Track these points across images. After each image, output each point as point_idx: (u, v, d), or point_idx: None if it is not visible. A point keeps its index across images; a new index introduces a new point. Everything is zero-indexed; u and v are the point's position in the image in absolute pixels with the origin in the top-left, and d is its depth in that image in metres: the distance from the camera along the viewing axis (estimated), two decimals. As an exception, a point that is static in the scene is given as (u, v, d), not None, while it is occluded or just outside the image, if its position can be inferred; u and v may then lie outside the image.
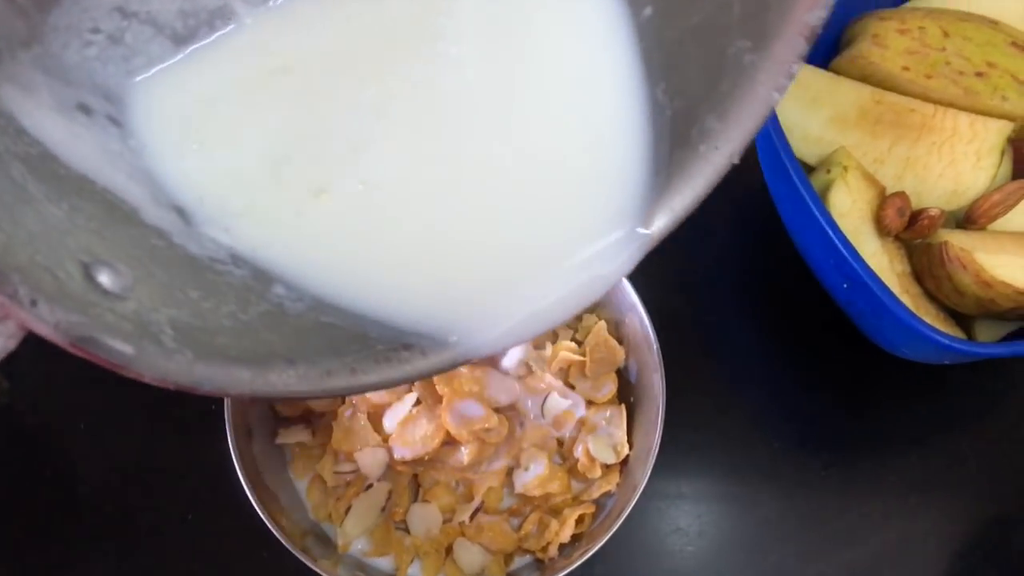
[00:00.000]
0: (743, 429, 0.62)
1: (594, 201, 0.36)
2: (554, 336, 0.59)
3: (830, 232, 0.51)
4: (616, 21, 0.37)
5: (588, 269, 0.35)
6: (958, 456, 0.62)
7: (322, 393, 0.32)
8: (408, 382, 0.35)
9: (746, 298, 0.67)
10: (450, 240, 0.36)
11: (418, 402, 0.53)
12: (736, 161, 0.33)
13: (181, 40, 0.36)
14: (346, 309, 0.35)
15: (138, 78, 0.36)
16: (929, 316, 0.55)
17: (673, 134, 0.35)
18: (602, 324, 0.57)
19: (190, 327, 0.31)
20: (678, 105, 0.35)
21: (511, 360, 0.55)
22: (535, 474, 0.54)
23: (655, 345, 0.54)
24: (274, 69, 0.36)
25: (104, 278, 0.30)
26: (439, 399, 0.52)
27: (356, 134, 0.36)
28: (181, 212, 0.34)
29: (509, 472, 0.55)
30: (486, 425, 0.51)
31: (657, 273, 0.65)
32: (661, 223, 0.34)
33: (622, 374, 0.58)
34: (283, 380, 0.31)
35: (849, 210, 0.55)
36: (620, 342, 0.57)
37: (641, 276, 0.55)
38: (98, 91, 0.35)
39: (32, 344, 0.28)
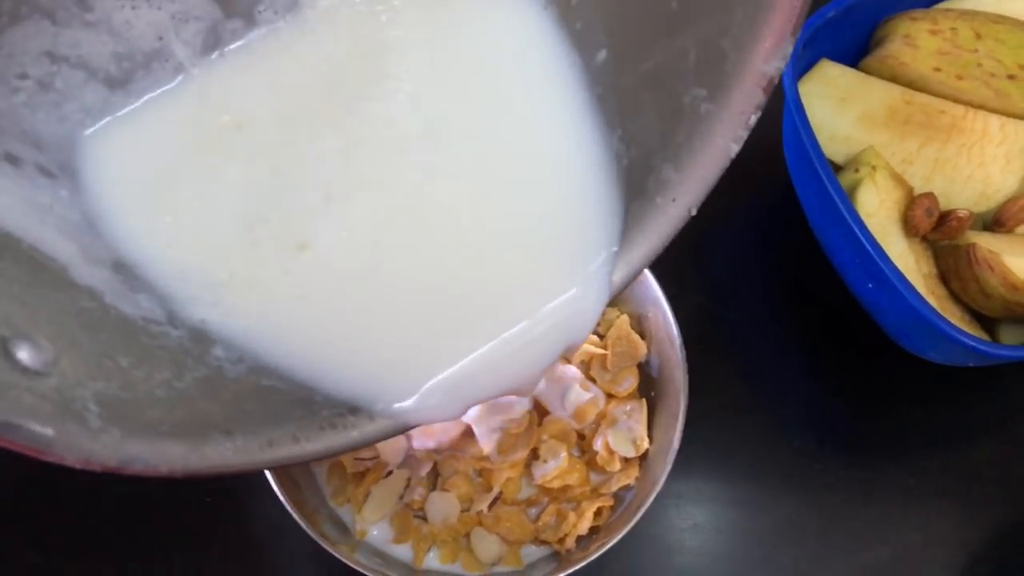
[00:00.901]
0: (762, 428, 0.62)
1: (551, 257, 0.34)
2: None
3: (857, 231, 0.51)
4: (567, 64, 0.36)
5: (550, 328, 0.33)
6: (979, 460, 0.62)
7: (262, 465, 0.30)
8: (354, 449, 0.33)
9: (768, 297, 0.67)
10: (421, 290, 0.34)
11: (439, 391, 0.53)
12: (694, 213, 0.31)
13: (117, 85, 0.34)
14: (301, 370, 0.32)
15: (86, 132, 0.34)
16: (954, 318, 0.55)
17: (630, 184, 0.34)
18: (625, 318, 0.57)
19: (118, 401, 0.29)
20: (634, 154, 0.34)
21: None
22: (554, 466, 0.54)
23: (678, 341, 0.54)
24: (226, 126, 0.34)
25: (23, 354, 0.28)
26: (460, 388, 0.52)
27: (327, 183, 0.34)
28: (130, 274, 0.32)
29: (528, 463, 0.55)
30: (508, 416, 0.51)
31: (680, 270, 0.65)
32: (619, 277, 0.33)
33: (643, 369, 0.58)
34: (220, 453, 0.29)
35: (877, 210, 0.55)
36: (642, 336, 0.57)
37: (664, 273, 0.56)
38: (27, 139, 0.32)
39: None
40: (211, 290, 0.33)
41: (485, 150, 0.35)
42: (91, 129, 0.34)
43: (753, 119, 0.30)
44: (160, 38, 0.34)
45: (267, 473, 0.50)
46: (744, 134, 0.30)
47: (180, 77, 0.35)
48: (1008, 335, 0.56)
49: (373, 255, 0.34)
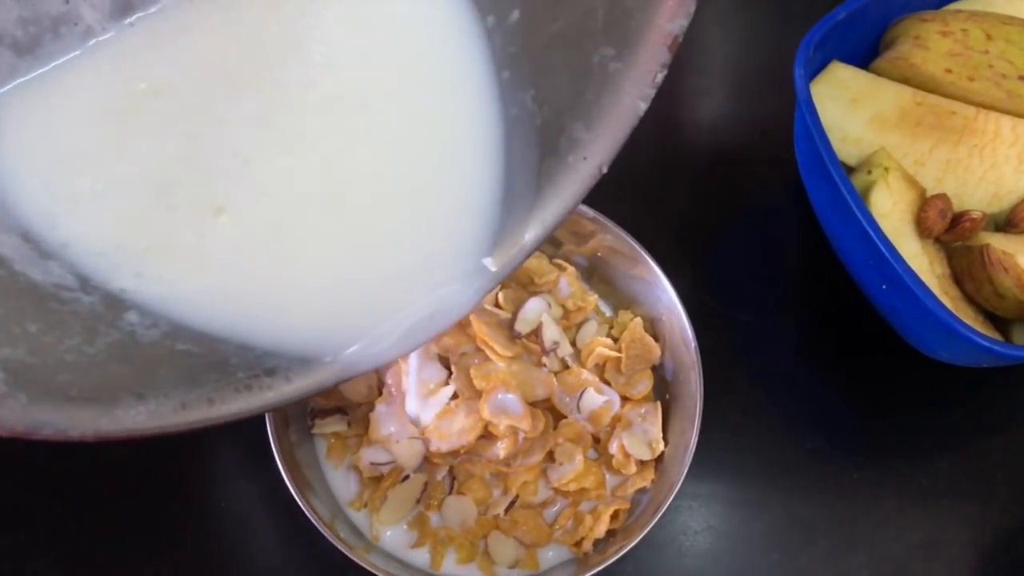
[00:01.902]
0: (776, 430, 0.62)
1: (461, 215, 0.35)
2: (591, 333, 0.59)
3: (871, 233, 0.51)
4: (481, 25, 0.36)
5: (459, 286, 0.34)
6: (991, 460, 0.62)
7: (176, 428, 0.30)
8: (270, 410, 0.33)
9: (780, 298, 0.67)
10: (335, 254, 0.35)
11: (455, 396, 0.53)
12: (605, 171, 0.32)
13: (25, 50, 0.33)
14: (218, 332, 0.33)
15: None
16: (968, 319, 0.55)
17: (543, 143, 0.34)
18: (638, 321, 0.58)
19: (25, 367, 0.29)
20: (547, 113, 0.35)
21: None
22: (570, 469, 0.54)
23: (693, 343, 0.54)
24: (143, 93, 0.34)
25: None
26: (477, 394, 0.52)
27: (243, 147, 0.34)
28: (35, 242, 0.32)
29: (544, 467, 0.55)
30: (521, 425, 0.51)
31: (690, 272, 0.66)
32: (532, 235, 0.33)
33: (657, 371, 0.58)
34: (132, 417, 0.29)
35: (890, 211, 0.55)
36: (656, 339, 0.58)
37: (677, 275, 0.56)
38: None
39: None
40: (130, 260, 0.33)
41: (397, 114, 0.36)
42: None
43: (660, 77, 0.31)
44: (66, 1, 0.33)
45: (286, 478, 0.50)
46: (651, 92, 0.31)
47: (92, 43, 0.34)
48: (1022, 335, 0.56)
49: (288, 217, 0.34)
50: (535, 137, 0.35)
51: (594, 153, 0.32)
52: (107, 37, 0.34)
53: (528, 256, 0.34)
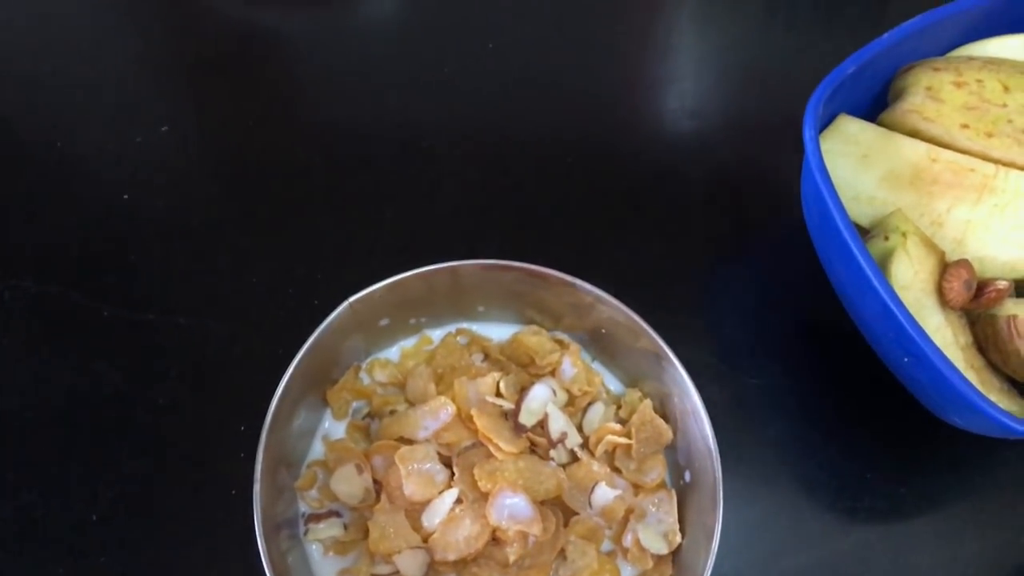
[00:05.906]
0: (793, 502, 0.59)
1: None
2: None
3: (894, 309, 0.48)
4: None
5: None
6: (1016, 524, 0.59)
7: None
8: None
9: (789, 361, 0.63)
10: None
11: (459, 500, 0.50)
12: None
13: None
14: None
15: None
16: (993, 390, 0.52)
17: None
18: (648, 403, 0.54)
19: None
20: None
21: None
22: (584, 567, 0.51)
23: (707, 423, 0.50)
24: None
25: None
26: (483, 495, 0.49)
27: None
28: None
29: (556, 563, 0.52)
30: (531, 530, 0.48)
31: (699, 340, 0.62)
32: None
33: (669, 454, 0.55)
34: None
35: (911, 282, 0.52)
36: (666, 419, 0.54)
37: (684, 344, 0.52)
38: None
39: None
40: None
41: None
42: None
43: None
44: None
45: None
46: None
47: None
48: (1050, 404, 0.53)
49: None
50: None
51: None
52: None
53: None
